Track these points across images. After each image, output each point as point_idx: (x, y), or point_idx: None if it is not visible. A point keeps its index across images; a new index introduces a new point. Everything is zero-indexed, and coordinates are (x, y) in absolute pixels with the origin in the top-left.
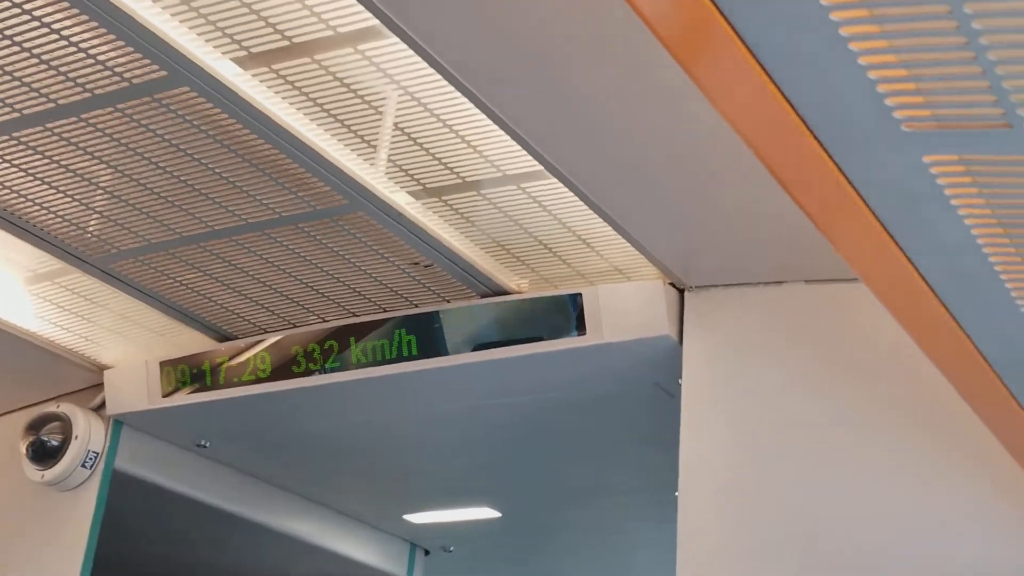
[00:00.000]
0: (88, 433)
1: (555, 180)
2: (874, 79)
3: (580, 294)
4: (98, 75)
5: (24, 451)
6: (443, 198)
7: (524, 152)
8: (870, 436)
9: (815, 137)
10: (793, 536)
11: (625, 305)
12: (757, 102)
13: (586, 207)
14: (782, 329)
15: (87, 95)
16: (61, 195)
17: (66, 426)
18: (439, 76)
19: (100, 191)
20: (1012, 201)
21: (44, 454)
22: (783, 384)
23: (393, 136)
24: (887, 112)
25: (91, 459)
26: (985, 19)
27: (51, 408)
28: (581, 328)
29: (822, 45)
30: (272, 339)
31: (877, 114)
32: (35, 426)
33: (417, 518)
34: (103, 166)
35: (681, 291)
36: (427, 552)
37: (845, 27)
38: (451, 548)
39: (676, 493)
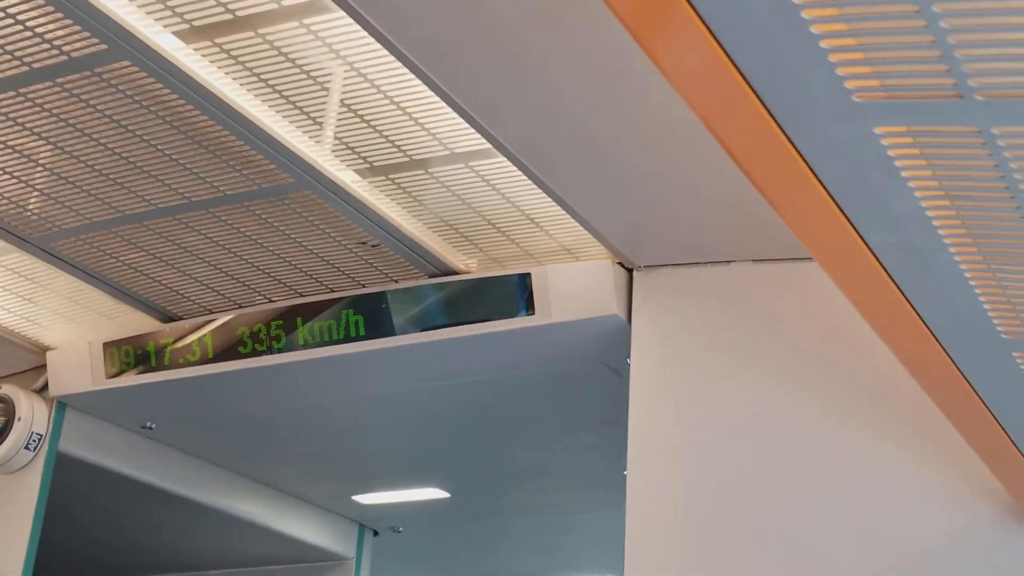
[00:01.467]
0: (31, 415)
1: (503, 159)
2: (826, 48)
3: (529, 274)
4: (36, 48)
5: None
6: (390, 176)
7: (472, 130)
8: (819, 415)
9: (764, 106)
10: (740, 514)
11: (574, 285)
12: (706, 70)
13: (534, 186)
14: (731, 308)
15: (25, 69)
16: (0, 172)
17: (8, 408)
18: (386, 52)
19: (40, 168)
20: (961, 173)
21: None
22: (732, 363)
23: (339, 113)
24: (838, 82)
25: (34, 441)
26: None
27: None
28: (530, 308)
29: (774, 12)
30: (218, 320)
31: (828, 83)
32: None
33: (366, 499)
34: (43, 142)
35: (630, 271)
36: (376, 533)
37: None
38: (400, 528)
39: (625, 472)
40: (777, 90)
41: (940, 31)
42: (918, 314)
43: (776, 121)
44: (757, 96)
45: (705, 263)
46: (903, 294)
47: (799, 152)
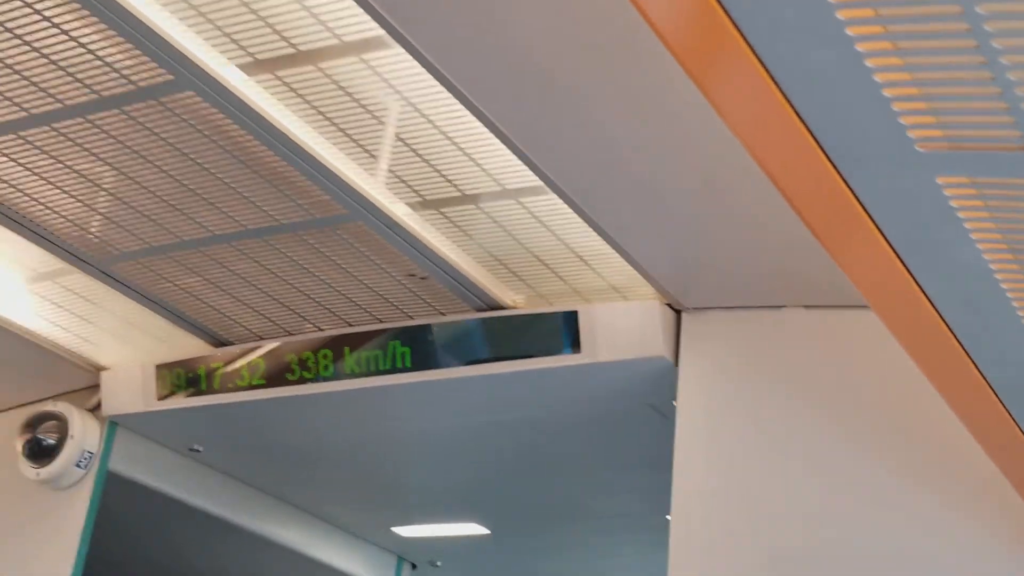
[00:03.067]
0: (84, 433)
1: (555, 196)
2: (889, 97)
3: (576, 312)
4: (105, 77)
5: (20, 449)
6: (442, 210)
7: (523, 166)
8: (867, 463)
9: (826, 155)
10: (787, 561)
11: (621, 324)
12: (768, 117)
13: (585, 224)
14: (780, 353)
15: (94, 96)
16: (65, 195)
17: (62, 425)
18: (442, 88)
19: (103, 192)
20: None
21: (40, 452)
22: (779, 409)
23: (394, 147)
24: (901, 130)
25: (86, 459)
26: (1006, 39)
27: (48, 407)
28: (576, 346)
29: (837, 60)
30: (268, 346)
31: (891, 132)
32: (32, 424)
33: (406, 531)
34: (107, 168)
35: (678, 312)
36: (414, 566)
37: (861, 43)
38: (438, 563)
39: (668, 516)
40: (838, 137)
41: (1007, 83)
42: (976, 367)
43: (836, 168)
44: (817, 143)
45: (755, 307)
46: (961, 346)
47: (859, 200)
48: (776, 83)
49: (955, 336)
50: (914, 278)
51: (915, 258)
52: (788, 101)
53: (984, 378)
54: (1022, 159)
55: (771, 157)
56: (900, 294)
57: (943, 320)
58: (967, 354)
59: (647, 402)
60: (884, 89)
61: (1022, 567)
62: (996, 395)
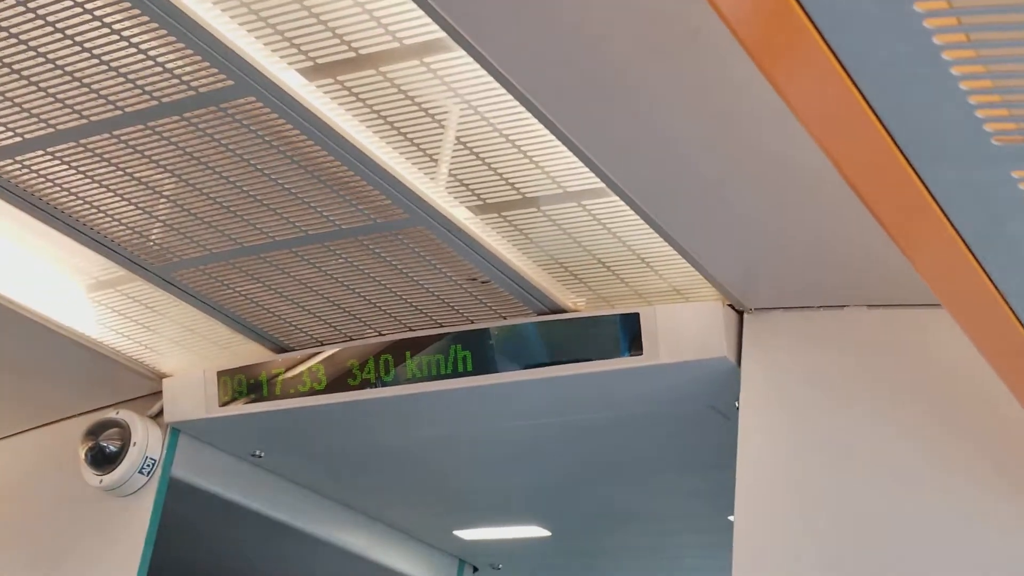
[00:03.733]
0: (146, 440)
1: (616, 198)
2: (966, 90)
3: (638, 314)
4: (165, 83)
5: (83, 456)
6: (503, 214)
7: (585, 169)
8: (933, 464)
9: (900, 150)
10: (852, 564)
11: (683, 326)
12: (841, 112)
13: (646, 226)
14: (844, 354)
15: (154, 103)
16: (125, 203)
17: (125, 432)
18: (502, 90)
19: (163, 199)
20: None
21: (103, 459)
22: (843, 410)
23: (455, 150)
24: (978, 124)
25: (148, 466)
26: None
27: (110, 414)
28: (637, 348)
29: (913, 51)
30: (328, 351)
31: (967, 126)
32: (94, 432)
33: (467, 534)
34: (167, 174)
35: (740, 313)
36: (475, 569)
37: (939, 35)
38: (499, 566)
39: (730, 517)
40: (912, 131)
41: None
42: None
43: (911, 163)
44: (892, 137)
45: (818, 307)
46: None
47: (932, 195)
48: (850, 77)
49: None
50: (987, 273)
51: (988, 253)
52: (862, 95)
53: None
54: None
55: (844, 153)
56: (972, 290)
57: (1015, 316)
58: None
59: (709, 404)
60: (962, 82)
61: None
62: None
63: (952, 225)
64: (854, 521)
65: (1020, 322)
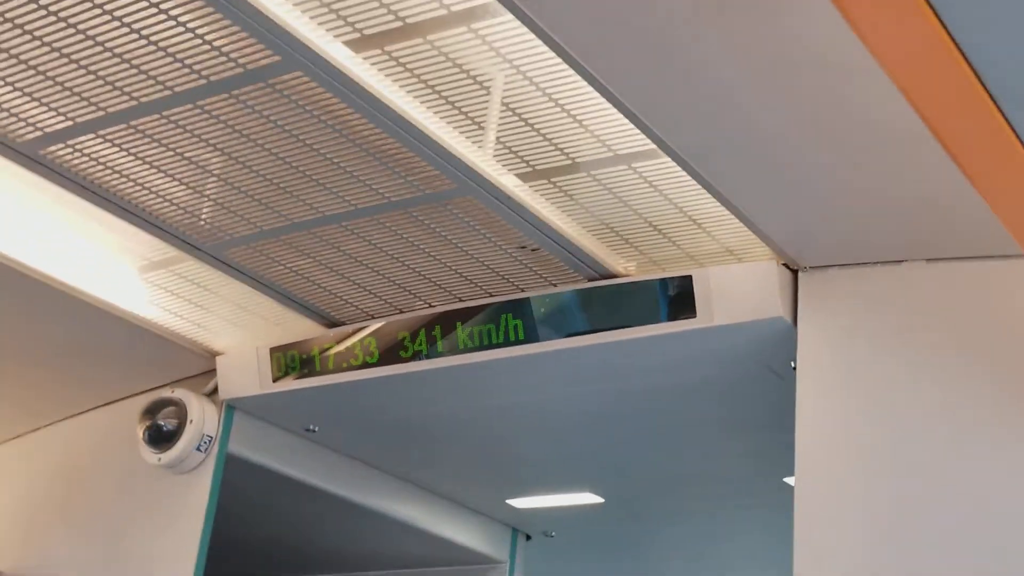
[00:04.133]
0: (202, 417)
1: (666, 159)
2: None
3: (690, 276)
4: (213, 61)
5: (141, 435)
6: (552, 180)
7: (635, 131)
8: (997, 423)
9: (989, 93)
10: (913, 525)
11: (737, 287)
12: (924, 50)
13: (697, 186)
14: (902, 310)
15: (202, 82)
16: (175, 182)
17: (181, 411)
18: (549, 53)
19: (213, 178)
20: None
21: (160, 438)
22: (903, 367)
23: (502, 116)
24: None
25: (205, 443)
26: None
27: (166, 393)
28: (691, 311)
29: None
30: (379, 324)
31: None
32: (151, 411)
33: (520, 503)
34: (216, 152)
35: (795, 272)
36: (529, 537)
37: None
38: (553, 533)
39: (785, 479)
40: (1004, 74)
41: None
42: None
43: (999, 107)
44: (980, 80)
45: (875, 263)
46: None
47: (1021, 140)
48: (936, 14)
49: None
50: None
51: None
52: (949, 34)
53: None
54: None
55: (927, 95)
56: None
57: None
58: None
59: (765, 365)
60: None
61: None
62: None
63: None
64: (915, 481)
65: None
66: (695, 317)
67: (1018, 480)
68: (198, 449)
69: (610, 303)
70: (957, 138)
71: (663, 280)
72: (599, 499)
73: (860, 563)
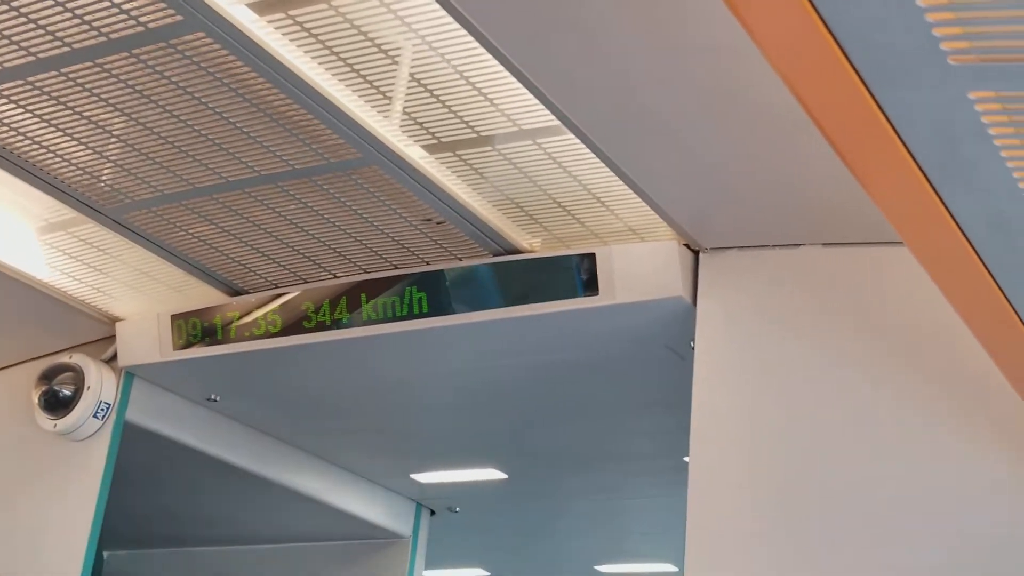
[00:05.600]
0: (100, 384)
1: (571, 135)
2: (923, 7)
3: (594, 254)
4: (114, 19)
5: (36, 401)
6: (457, 152)
7: (540, 106)
8: (887, 400)
9: (856, 71)
10: (804, 501)
11: (639, 266)
12: (795, 29)
13: (602, 165)
14: (799, 292)
15: (102, 39)
16: (75, 143)
17: (78, 376)
18: (457, 26)
19: (114, 139)
20: None
21: (56, 404)
22: (798, 348)
23: (409, 87)
24: (934, 43)
25: (103, 410)
26: None
27: (64, 359)
28: (593, 288)
29: None
30: (283, 295)
31: (923, 45)
32: (48, 376)
33: (424, 477)
34: (117, 113)
35: (696, 252)
36: (433, 512)
37: None
38: (457, 508)
39: (685, 458)
40: (868, 51)
41: None
42: (1003, 292)
43: (867, 86)
44: (848, 59)
45: (773, 246)
46: (987, 269)
47: (887, 117)
48: None
49: (980, 259)
50: (941, 199)
51: (943, 177)
52: (819, 15)
53: (1010, 303)
54: None
55: (798, 73)
56: (925, 215)
57: (969, 242)
58: (992, 278)
59: (665, 344)
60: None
61: None
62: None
63: (908, 150)
64: (809, 458)
65: (976, 252)
66: (598, 295)
67: (908, 458)
68: (95, 416)
69: (515, 279)
70: (833, 123)
71: (567, 257)
72: (503, 475)
73: (750, 543)
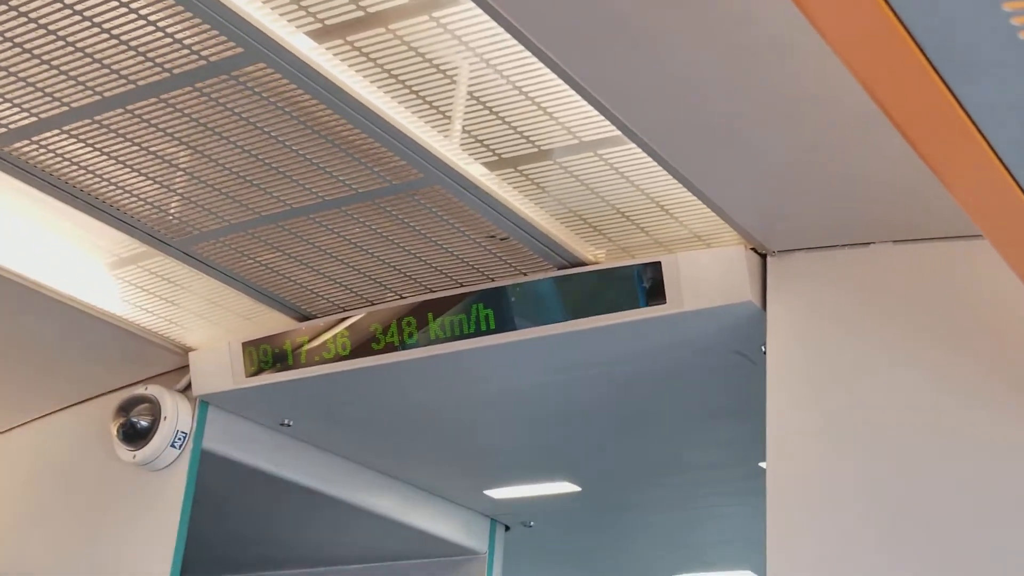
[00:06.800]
0: (176, 414)
1: (632, 145)
2: None
3: (659, 262)
4: (175, 54)
5: (115, 433)
6: (518, 168)
7: (601, 117)
8: (967, 405)
9: (933, 66)
10: (883, 505)
11: (706, 272)
12: (869, 26)
13: (664, 173)
14: (870, 292)
15: (166, 75)
16: (142, 177)
17: (155, 407)
18: (512, 41)
19: (180, 172)
20: None
21: (134, 435)
22: (871, 350)
23: (467, 105)
24: (1013, 32)
25: (180, 439)
26: None
27: (140, 390)
28: (661, 297)
29: None
30: (351, 317)
31: (1002, 35)
32: (125, 408)
33: (498, 493)
34: (182, 147)
35: (763, 256)
36: (507, 527)
37: None
38: (531, 523)
39: (761, 464)
40: (947, 46)
41: None
42: None
43: (944, 80)
44: (924, 53)
45: (842, 246)
46: None
47: (967, 113)
48: None
49: None
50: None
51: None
52: (892, 9)
53: None
54: None
55: (874, 73)
56: (1012, 213)
57: None
58: None
59: (736, 350)
60: None
61: None
62: None
63: (988, 144)
64: (886, 462)
65: None
66: (665, 303)
67: (991, 461)
68: (172, 446)
69: (581, 291)
70: (908, 117)
71: (633, 267)
72: (576, 488)
73: (832, 547)
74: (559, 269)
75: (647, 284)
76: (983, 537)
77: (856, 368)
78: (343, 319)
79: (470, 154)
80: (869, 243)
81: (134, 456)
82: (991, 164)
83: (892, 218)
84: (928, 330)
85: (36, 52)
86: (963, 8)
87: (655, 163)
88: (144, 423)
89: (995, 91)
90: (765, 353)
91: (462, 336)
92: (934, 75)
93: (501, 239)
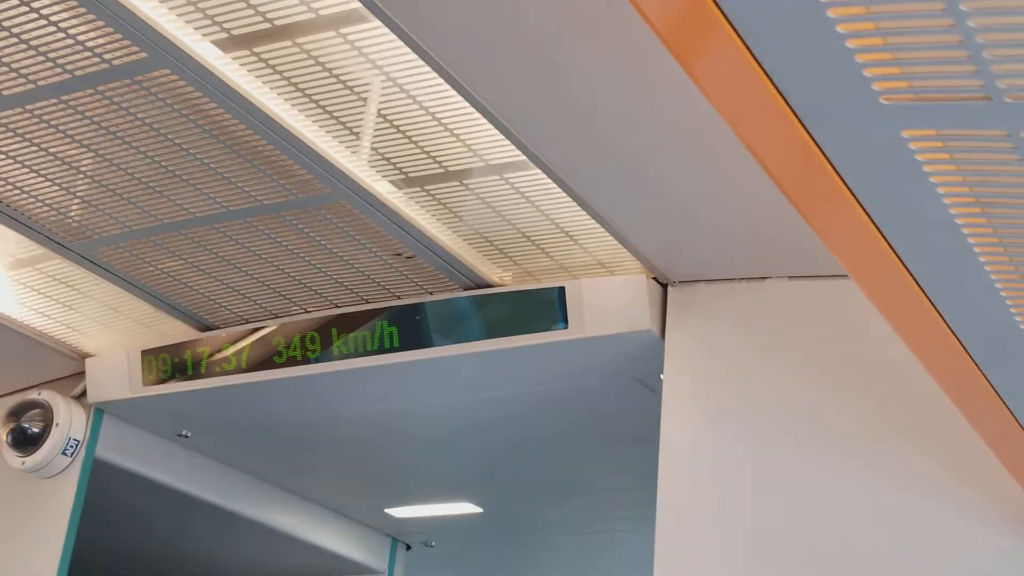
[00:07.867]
0: (69, 421)
1: (539, 171)
2: (852, 48)
3: (563, 287)
4: (78, 56)
5: (4, 438)
6: (426, 188)
7: (507, 142)
8: (854, 435)
9: (792, 110)
10: (773, 533)
11: (608, 299)
12: (733, 72)
13: (570, 199)
14: (766, 325)
15: (67, 76)
16: (42, 179)
17: (47, 413)
18: (423, 63)
19: (81, 176)
20: (991, 179)
21: (25, 441)
22: (766, 381)
23: (376, 124)
24: (865, 83)
25: (72, 447)
26: None
27: (32, 395)
28: (563, 322)
29: (799, 12)
30: (254, 329)
31: (855, 85)
32: (16, 413)
33: (399, 512)
34: (84, 150)
35: (664, 286)
36: (408, 547)
37: None
38: (432, 543)
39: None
40: (804, 92)
41: (968, 31)
42: (947, 325)
43: (804, 125)
44: (784, 99)
45: (740, 279)
46: (932, 304)
47: (827, 157)
48: (742, 39)
49: (925, 293)
50: (883, 235)
51: (883, 215)
52: (754, 57)
53: (955, 335)
54: (984, 109)
55: (739, 116)
56: (870, 252)
57: (912, 277)
58: (937, 312)
59: (635, 377)
60: (848, 40)
61: (1007, 533)
62: (967, 352)
63: (847, 187)
64: (777, 490)
65: (915, 281)
66: (567, 328)
67: (878, 485)
68: (64, 453)
69: (485, 313)
70: (772, 157)
71: (537, 291)
72: (478, 509)
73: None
74: (465, 290)
75: (550, 308)
76: (878, 569)
77: (750, 399)
78: (246, 331)
79: (378, 172)
80: (765, 278)
81: (23, 463)
82: (851, 208)
83: (788, 255)
84: (817, 366)
85: None
86: (817, 56)
87: (560, 189)
88: (35, 429)
89: (851, 136)
90: (663, 381)
91: (365, 353)
92: (794, 119)
93: (407, 257)
